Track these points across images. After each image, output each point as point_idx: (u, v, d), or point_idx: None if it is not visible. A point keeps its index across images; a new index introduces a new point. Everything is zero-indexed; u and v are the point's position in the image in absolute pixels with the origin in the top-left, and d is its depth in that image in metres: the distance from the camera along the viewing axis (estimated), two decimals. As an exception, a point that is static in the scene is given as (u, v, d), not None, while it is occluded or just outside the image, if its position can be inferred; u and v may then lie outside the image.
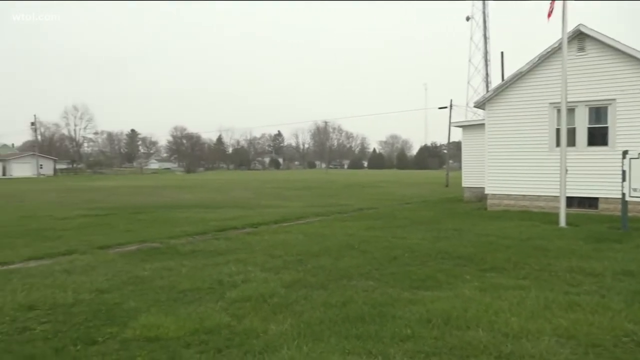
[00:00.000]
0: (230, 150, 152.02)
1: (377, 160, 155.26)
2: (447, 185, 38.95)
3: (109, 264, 8.23)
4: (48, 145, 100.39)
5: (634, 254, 8.77)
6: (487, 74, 54.15)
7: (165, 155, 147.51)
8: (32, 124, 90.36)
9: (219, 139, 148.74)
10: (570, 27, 14.54)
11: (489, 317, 5.16)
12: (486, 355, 4.22)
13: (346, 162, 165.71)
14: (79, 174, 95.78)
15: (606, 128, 15.36)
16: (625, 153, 11.97)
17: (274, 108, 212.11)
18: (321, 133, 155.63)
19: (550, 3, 12.96)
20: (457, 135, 66.65)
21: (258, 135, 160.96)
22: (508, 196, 17.21)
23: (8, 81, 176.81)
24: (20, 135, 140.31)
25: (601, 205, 15.37)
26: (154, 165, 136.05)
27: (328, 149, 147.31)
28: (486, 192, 17.89)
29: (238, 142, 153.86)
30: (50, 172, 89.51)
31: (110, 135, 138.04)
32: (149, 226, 13.59)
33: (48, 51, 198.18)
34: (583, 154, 15.59)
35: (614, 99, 15.06)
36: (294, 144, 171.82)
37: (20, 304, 5.77)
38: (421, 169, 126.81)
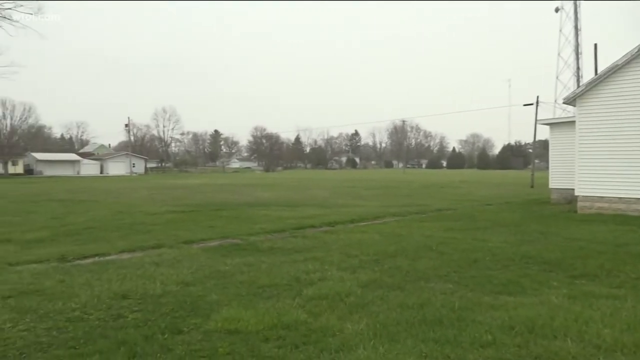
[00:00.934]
0: (307, 149, 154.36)
1: (457, 160, 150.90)
2: (532, 186, 37.04)
3: (193, 258, 8.65)
4: (140, 145, 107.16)
5: None
6: (578, 68, 50.86)
7: (245, 154, 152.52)
8: (126, 125, 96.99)
9: (297, 139, 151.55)
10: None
11: (579, 327, 4.84)
12: (575, 368, 3.96)
13: (424, 162, 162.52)
14: (167, 172, 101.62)
15: None
16: None
17: (351, 107, 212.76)
18: (399, 132, 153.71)
19: None
20: (543, 133, 63.12)
21: (335, 135, 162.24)
22: (601, 198, 16.03)
23: (107, 86, 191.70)
24: (116, 137, 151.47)
25: None
26: (235, 164, 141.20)
27: (405, 148, 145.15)
28: (576, 193, 16.78)
29: (315, 141, 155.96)
30: (142, 170, 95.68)
31: (195, 136, 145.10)
32: (230, 223, 14.12)
33: (141, 58, 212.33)
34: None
35: None
36: (371, 143, 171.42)
37: (115, 293, 6.22)
38: (504, 169, 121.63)
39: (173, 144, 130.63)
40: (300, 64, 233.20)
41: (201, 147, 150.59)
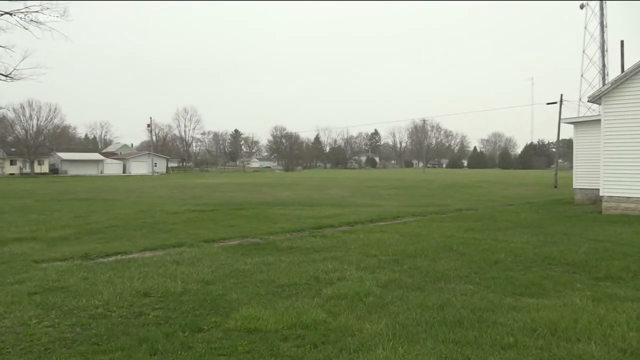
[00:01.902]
0: (327, 149, 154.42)
1: (478, 160, 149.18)
2: (555, 186, 36.43)
3: (213, 257, 8.72)
4: (162, 145, 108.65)
5: None
6: (603, 66, 49.77)
7: (265, 154, 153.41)
8: (148, 125, 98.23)
9: (317, 138, 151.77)
10: None
11: (603, 330, 4.74)
12: (599, 372, 3.88)
13: (445, 161, 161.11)
14: (188, 171, 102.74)
15: None
16: None
17: (371, 107, 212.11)
18: (419, 131, 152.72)
19: None
20: (567, 132, 61.82)
21: (355, 134, 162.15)
22: (628, 199, 15.68)
23: (131, 87, 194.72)
24: (138, 136, 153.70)
25: None
26: (255, 163, 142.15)
27: (426, 148, 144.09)
28: (601, 194, 16.43)
29: (335, 141, 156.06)
30: (163, 169, 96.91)
31: (215, 135, 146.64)
32: (249, 222, 14.21)
33: (164, 60, 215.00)
34: None
35: None
36: (390, 143, 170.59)
37: (137, 291, 6.31)
38: (526, 169, 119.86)
39: (194, 144, 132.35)
40: (321, 63, 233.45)
41: (221, 146, 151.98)
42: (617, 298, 5.91)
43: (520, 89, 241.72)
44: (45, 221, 14.48)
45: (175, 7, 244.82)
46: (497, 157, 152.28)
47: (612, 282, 6.82)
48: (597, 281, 6.88)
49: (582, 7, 53.05)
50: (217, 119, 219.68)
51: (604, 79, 48.15)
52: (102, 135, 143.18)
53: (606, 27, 51.24)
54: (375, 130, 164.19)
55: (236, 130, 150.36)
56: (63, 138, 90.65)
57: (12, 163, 78.76)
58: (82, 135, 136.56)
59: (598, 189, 16.87)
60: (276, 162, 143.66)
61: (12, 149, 77.45)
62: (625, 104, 15.72)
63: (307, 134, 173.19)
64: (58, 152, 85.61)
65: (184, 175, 76.47)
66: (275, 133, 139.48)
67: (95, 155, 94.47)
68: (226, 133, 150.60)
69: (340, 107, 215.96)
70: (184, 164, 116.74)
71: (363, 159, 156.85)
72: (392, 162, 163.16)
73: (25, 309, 5.55)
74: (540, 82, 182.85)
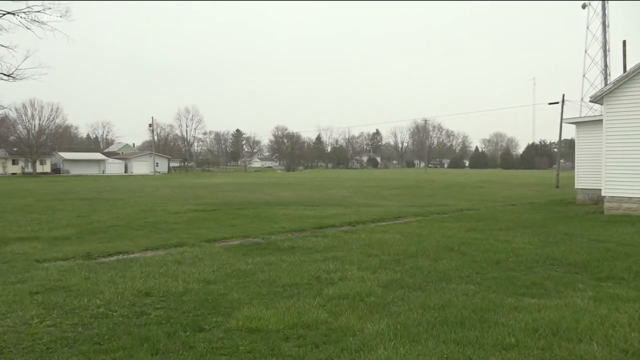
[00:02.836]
0: (328, 149, 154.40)
1: (480, 160, 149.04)
2: (557, 187, 36.39)
3: (214, 257, 8.73)
4: (163, 144, 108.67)
5: None
6: (605, 66, 49.58)
7: (267, 154, 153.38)
8: (150, 125, 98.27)
9: (318, 138, 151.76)
10: None
11: (605, 330, 4.74)
12: (601, 372, 3.88)
13: (446, 161, 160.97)
14: (189, 171, 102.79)
15: None
16: None
17: (373, 107, 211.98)
18: (420, 131, 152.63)
19: None
20: (569, 132, 61.87)
21: (356, 134, 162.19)
22: (630, 199, 15.65)
23: (132, 87, 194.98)
24: (140, 136, 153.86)
25: None
26: (256, 163, 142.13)
27: (427, 148, 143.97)
28: (603, 194, 16.41)
29: (337, 141, 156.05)
30: (165, 169, 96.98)
31: (217, 135, 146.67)
32: (251, 222, 14.21)
33: (165, 60, 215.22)
34: None
35: None
36: (392, 143, 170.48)
37: (138, 290, 6.31)
38: (528, 169, 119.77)
39: (196, 144, 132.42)
40: (322, 63, 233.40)
41: (223, 146, 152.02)
42: (619, 298, 5.91)
43: (522, 88, 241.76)
44: (47, 221, 14.50)
45: (176, 7, 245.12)
46: (498, 157, 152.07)
47: (614, 283, 6.81)
48: (598, 281, 6.87)
49: (584, 6, 52.85)
50: (218, 118, 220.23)
51: (606, 79, 48.02)
52: (104, 135, 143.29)
53: (608, 27, 51.07)
54: (377, 130, 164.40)
55: (238, 130, 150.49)
56: (65, 138, 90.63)
57: (14, 163, 78.87)
58: (84, 135, 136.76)
59: (600, 189, 16.84)
60: (278, 162, 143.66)
61: (14, 149, 77.49)
62: (627, 104, 15.69)
63: (308, 134, 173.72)
64: (60, 151, 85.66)
65: (185, 175, 76.50)
66: (276, 133, 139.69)
67: (97, 155, 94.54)
68: (228, 133, 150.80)
69: (341, 107, 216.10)
70: (186, 163, 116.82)
71: (364, 159, 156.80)
72: (394, 162, 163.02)
73: (27, 309, 5.56)
74: (542, 82, 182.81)
